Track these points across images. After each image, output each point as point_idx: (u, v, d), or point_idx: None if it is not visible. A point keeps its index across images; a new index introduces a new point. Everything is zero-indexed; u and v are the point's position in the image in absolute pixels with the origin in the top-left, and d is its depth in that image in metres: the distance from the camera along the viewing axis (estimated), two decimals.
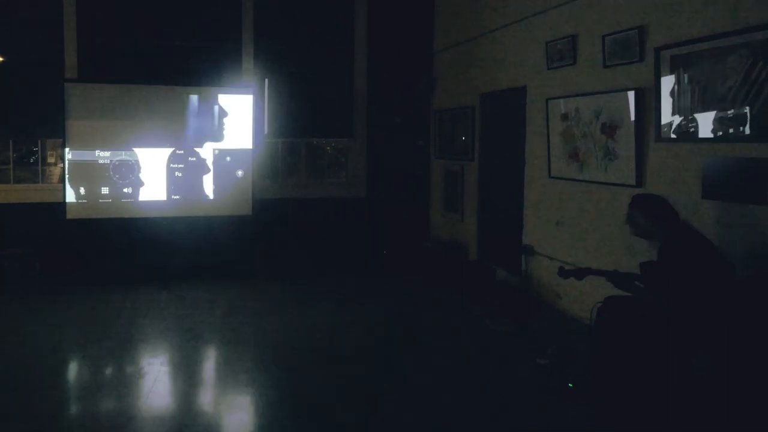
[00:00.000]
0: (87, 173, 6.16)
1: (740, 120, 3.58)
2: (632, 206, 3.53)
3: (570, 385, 3.58)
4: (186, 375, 4.04)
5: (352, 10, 7.46)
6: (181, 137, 6.35)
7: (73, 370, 4.15)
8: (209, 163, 6.45)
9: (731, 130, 3.64)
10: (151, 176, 6.31)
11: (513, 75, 5.94)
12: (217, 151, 6.45)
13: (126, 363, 4.13)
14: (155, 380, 3.85)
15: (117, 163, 6.23)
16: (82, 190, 6.16)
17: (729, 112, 3.64)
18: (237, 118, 6.50)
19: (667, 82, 4.06)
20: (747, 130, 3.54)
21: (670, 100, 4.05)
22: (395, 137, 7.66)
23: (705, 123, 3.81)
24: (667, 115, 4.08)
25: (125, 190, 6.26)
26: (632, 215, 3.53)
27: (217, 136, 6.45)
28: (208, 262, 6.89)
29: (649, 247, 3.57)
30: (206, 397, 3.64)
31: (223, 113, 6.45)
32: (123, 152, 6.23)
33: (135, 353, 4.33)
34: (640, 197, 3.56)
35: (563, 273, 3.79)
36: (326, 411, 3.45)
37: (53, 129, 6.48)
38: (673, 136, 4.05)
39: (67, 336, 4.65)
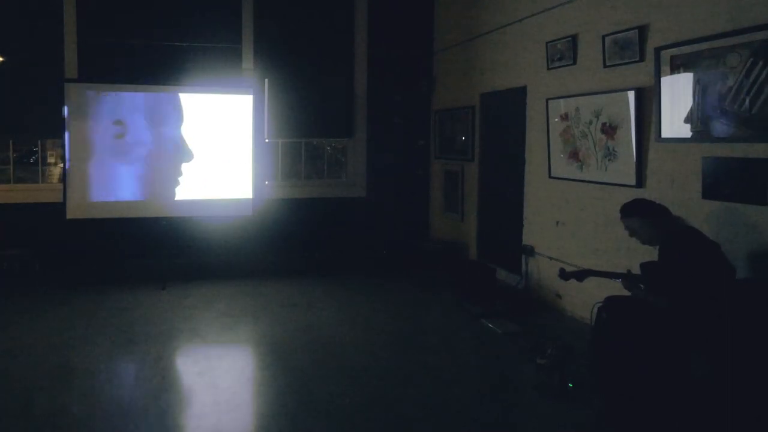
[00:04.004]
0: (87, 173, 6.15)
1: (740, 120, 3.58)
2: (623, 218, 3.57)
3: (570, 385, 3.58)
4: (186, 374, 4.04)
5: (352, 11, 7.46)
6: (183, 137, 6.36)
7: (73, 369, 4.14)
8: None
9: (731, 130, 3.64)
10: (151, 176, 6.30)
11: (513, 75, 5.94)
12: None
13: (126, 362, 4.13)
14: (155, 380, 3.85)
15: (117, 162, 6.22)
16: (81, 190, 6.15)
17: (729, 112, 3.64)
18: (237, 119, 6.51)
19: (667, 82, 4.07)
20: (747, 130, 3.54)
21: (670, 100, 4.05)
22: (395, 137, 7.66)
23: (705, 123, 3.81)
24: (667, 115, 4.08)
25: (125, 190, 6.25)
26: (627, 226, 3.56)
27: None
28: (208, 262, 6.90)
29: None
30: (207, 396, 3.64)
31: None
32: (122, 152, 6.22)
33: (135, 353, 4.33)
34: (625, 207, 3.58)
35: (564, 275, 3.79)
36: (326, 411, 3.45)
37: (53, 129, 6.47)
38: (673, 136, 4.06)
39: (67, 336, 4.65)
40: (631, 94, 4.39)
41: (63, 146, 6.15)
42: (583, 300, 4.83)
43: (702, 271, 3.16)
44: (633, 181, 4.41)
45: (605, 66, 4.68)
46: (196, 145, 6.39)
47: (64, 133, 6.09)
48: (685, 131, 3.95)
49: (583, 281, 3.77)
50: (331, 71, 7.48)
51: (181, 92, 6.36)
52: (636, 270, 3.61)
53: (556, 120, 5.24)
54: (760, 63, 3.44)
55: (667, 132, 4.09)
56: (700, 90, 3.83)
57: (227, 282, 6.32)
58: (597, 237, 4.87)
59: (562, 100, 5.16)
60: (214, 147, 6.44)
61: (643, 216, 3.46)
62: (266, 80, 7.08)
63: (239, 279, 6.44)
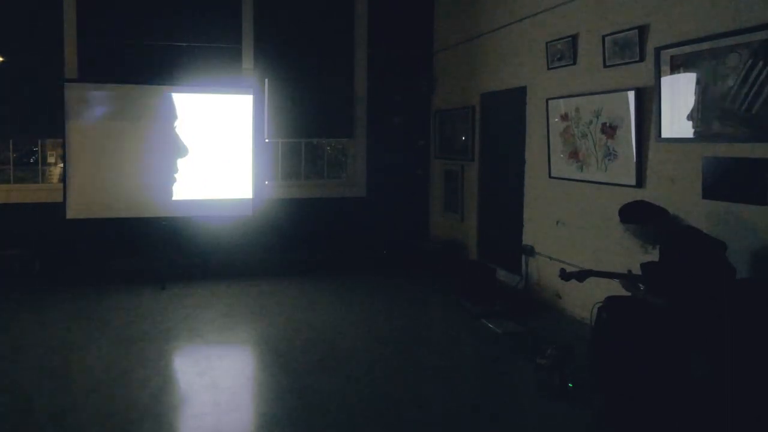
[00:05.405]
0: (87, 173, 6.14)
1: (740, 120, 3.58)
2: (622, 223, 3.55)
3: (570, 385, 3.58)
4: (186, 374, 4.04)
5: (352, 11, 7.46)
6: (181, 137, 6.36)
7: (73, 369, 4.15)
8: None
9: (731, 130, 3.64)
10: (151, 176, 6.30)
11: (513, 75, 5.94)
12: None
13: (126, 362, 4.13)
14: (155, 380, 3.85)
15: (117, 162, 6.21)
16: (81, 190, 6.14)
17: (729, 112, 3.64)
18: (237, 119, 6.51)
19: (667, 82, 4.06)
20: (747, 130, 3.54)
21: (670, 99, 4.05)
22: (395, 137, 7.66)
23: (705, 123, 3.81)
24: (667, 115, 4.08)
25: (125, 190, 6.24)
26: (626, 230, 3.55)
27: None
28: (207, 262, 6.90)
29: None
30: (207, 396, 3.64)
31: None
32: (123, 152, 6.22)
33: (134, 353, 4.32)
34: (623, 212, 3.56)
35: (564, 275, 3.79)
36: (326, 411, 3.45)
37: (53, 129, 6.47)
38: (673, 136, 4.05)
39: (67, 336, 4.65)
40: (631, 94, 4.39)
41: (63, 146, 6.15)
42: (583, 300, 4.83)
43: (702, 271, 3.15)
44: (633, 181, 4.41)
45: (605, 66, 4.67)
46: (196, 145, 6.38)
47: (64, 133, 6.09)
48: (685, 131, 3.95)
49: (583, 281, 3.77)
50: (331, 71, 7.48)
51: (181, 92, 6.35)
52: (636, 270, 3.61)
53: (556, 120, 5.24)
54: (760, 63, 3.44)
55: (667, 132, 4.09)
56: (700, 90, 3.83)
57: (227, 282, 6.32)
58: (597, 237, 4.87)
59: (562, 100, 5.16)
60: (214, 147, 6.43)
61: (641, 221, 3.45)
62: (266, 80, 7.08)
63: (239, 279, 6.44)
